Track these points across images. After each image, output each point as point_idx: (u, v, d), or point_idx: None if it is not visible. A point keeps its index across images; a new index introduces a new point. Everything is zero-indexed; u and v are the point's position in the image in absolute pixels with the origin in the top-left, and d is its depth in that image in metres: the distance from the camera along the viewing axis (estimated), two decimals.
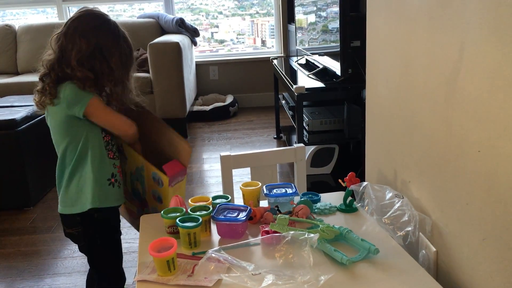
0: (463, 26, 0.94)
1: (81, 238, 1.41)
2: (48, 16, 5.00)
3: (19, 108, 2.84)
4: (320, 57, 2.91)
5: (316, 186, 2.67)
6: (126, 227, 2.35)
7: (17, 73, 4.25)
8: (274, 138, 3.78)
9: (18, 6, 4.84)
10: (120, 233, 1.51)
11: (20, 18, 5.01)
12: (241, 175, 1.73)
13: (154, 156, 1.44)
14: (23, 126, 2.65)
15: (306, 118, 2.72)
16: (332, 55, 2.60)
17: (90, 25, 1.32)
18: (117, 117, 1.37)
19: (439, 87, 1.04)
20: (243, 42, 5.27)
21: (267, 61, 4.10)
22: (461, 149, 0.97)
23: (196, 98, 4.58)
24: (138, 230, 1.52)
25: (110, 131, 1.38)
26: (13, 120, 2.62)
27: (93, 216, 1.37)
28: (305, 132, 2.70)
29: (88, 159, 1.34)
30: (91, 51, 1.30)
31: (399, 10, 1.23)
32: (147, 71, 3.78)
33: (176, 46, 3.67)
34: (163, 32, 4.34)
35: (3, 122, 2.62)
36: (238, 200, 1.35)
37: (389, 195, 1.18)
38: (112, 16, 5.13)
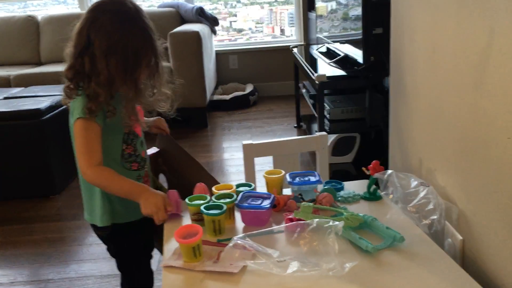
0: (493, 12, 0.92)
1: (109, 241, 1.37)
2: (69, 6, 5.06)
3: (43, 98, 2.89)
4: (341, 45, 2.88)
5: (337, 175, 2.66)
6: None
7: (40, 64, 4.32)
8: (295, 127, 3.77)
9: None
10: (153, 233, 1.39)
11: (41, 9, 5.08)
12: (262, 164, 1.73)
13: (182, 188, 1.32)
14: (48, 116, 2.70)
15: (327, 107, 2.70)
16: (354, 42, 2.57)
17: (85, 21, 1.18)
18: (84, 147, 1.17)
19: (467, 74, 1.02)
20: (261, 31, 5.24)
21: (286, 50, 4.08)
22: (489, 136, 0.96)
23: (216, 87, 4.59)
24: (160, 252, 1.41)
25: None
26: (37, 109, 2.67)
27: (125, 230, 1.30)
28: (326, 121, 2.68)
29: None
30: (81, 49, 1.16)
31: None
32: (168, 60, 3.80)
33: (196, 35, 3.68)
34: (183, 21, 4.35)
35: (28, 112, 2.67)
36: (260, 188, 1.36)
37: (414, 183, 1.18)
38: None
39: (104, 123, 1.20)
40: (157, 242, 1.40)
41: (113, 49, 1.14)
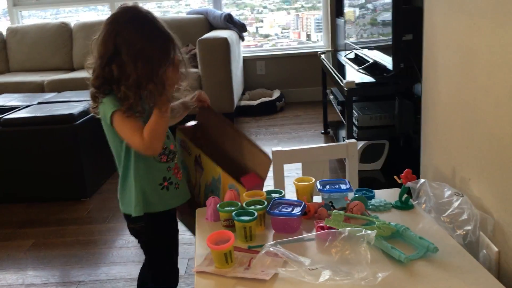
0: None
1: (143, 234, 1.43)
2: (99, 13, 5.17)
3: (76, 103, 2.97)
4: (370, 51, 2.86)
5: (366, 182, 2.62)
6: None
7: (72, 69, 4.43)
8: (322, 133, 3.75)
9: (72, 4, 5.03)
10: (177, 231, 1.51)
11: (72, 15, 5.21)
12: (289, 170, 1.74)
13: (226, 164, 1.38)
14: (80, 121, 2.77)
15: (355, 113, 2.68)
16: (383, 49, 2.55)
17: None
18: (128, 129, 1.26)
19: (504, 81, 1.00)
20: (287, 37, 5.25)
21: (313, 56, 4.07)
22: None
23: (243, 93, 4.62)
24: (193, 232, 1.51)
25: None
26: (71, 114, 2.74)
27: (155, 220, 1.37)
28: (354, 128, 2.66)
29: (131, 168, 1.32)
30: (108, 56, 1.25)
31: (460, 3, 1.20)
32: (196, 67, 3.85)
33: (225, 42, 3.71)
34: (211, 27, 4.39)
35: (61, 117, 2.74)
36: (289, 195, 1.36)
37: (447, 192, 1.16)
38: (159, 13, 5.19)
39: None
40: (189, 221, 1.47)
41: (140, 53, 1.23)
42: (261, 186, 1.36)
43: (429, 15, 1.41)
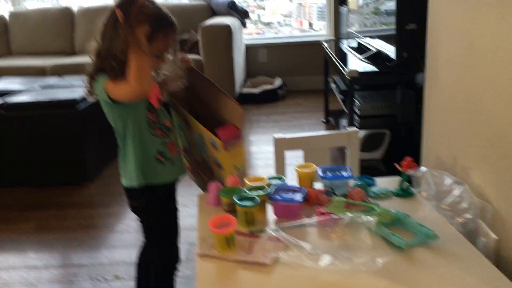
0: None
1: (143, 212, 1.47)
2: None
3: (78, 88, 2.96)
4: (373, 40, 2.85)
5: (366, 171, 2.64)
6: (190, 204, 2.43)
7: (74, 53, 4.42)
8: (323, 121, 3.75)
9: None
10: (176, 209, 1.56)
11: (75, 0, 5.17)
12: (290, 157, 1.75)
13: (211, 121, 1.43)
14: (83, 105, 2.77)
15: (357, 102, 2.68)
16: (386, 38, 2.54)
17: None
18: (118, 86, 1.30)
19: (506, 71, 1.01)
20: (289, 25, 5.22)
21: (315, 44, 4.06)
22: None
23: (245, 80, 4.61)
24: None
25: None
26: (73, 99, 2.74)
27: (150, 193, 1.42)
28: (356, 116, 2.67)
29: (129, 137, 1.39)
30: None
31: None
32: (198, 53, 3.84)
33: (228, 29, 3.70)
34: (214, 14, 4.38)
35: (64, 102, 2.75)
36: (290, 182, 1.36)
37: (448, 181, 1.17)
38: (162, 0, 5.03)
39: None
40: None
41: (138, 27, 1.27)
42: (238, 137, 1.40)
43: (434, 4, 1.41)
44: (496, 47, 1.05)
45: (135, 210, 1.48)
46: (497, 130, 1.06)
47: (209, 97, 1.50)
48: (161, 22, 1.33)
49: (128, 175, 1.42)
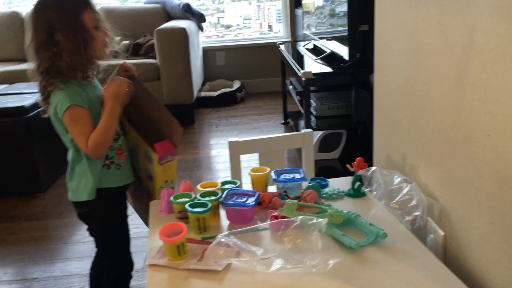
0: (473, 9, 0.93)
1: (89, 218, 1.44)
2: None
3: (28, 95, 2.86)
4: (328, 41, 2.89)
5: (324, 171, 2.68)
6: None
7: (24, 60, 4.26)
8: (282, 123, 3.77)
9: None
10: (126, 217, 1.52)
11: (26, 4, 5.00)
12: (249, 161, 1.74)
13: (148, 132, 1.44)
14: (33, 113, 2.67)
15: (313, 103, 2.71)
16: (340, 39, 2.58)
17: None
18: (76, 131, 1.32)
19: (448, 71, 1.03)
20: (249, 27, 5.23)
21: (274, 46, 4.08)
22: (470, 133, 0.97)
23: (203, 84, 4.58)
24: (138, 214, 1.55)
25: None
26: (22, 107, 2.64)
27: (98, 197, 1.38)
28: (312, 117, 2.69)
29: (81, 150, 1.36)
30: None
31: None
32: (154, 57, 3.78)
33: (183, 32, 3.66)
34: (170, 17, 4.32)
35: (12, 109, 2.64)
36: (247, 186, 1.36)
37: (397, 180, 1.19)
38: (119, 2, 5.04)
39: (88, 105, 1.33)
40: (142, 213, 1.52)
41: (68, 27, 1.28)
42: (174, 153, 1.41)
43: (380, 5, 1.43)
44: (437, 46, 1.08)
45: (83, 217, 1.45)
46: (441, 130, 1.09)
47: (148, 109, 1.48)
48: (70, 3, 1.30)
49: (78, 188, 1.38)
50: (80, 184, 1.39)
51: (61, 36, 1.27)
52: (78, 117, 1.30)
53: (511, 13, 0.81)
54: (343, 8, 2.42)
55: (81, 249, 2.15)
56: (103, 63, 1.42)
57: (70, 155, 1.41)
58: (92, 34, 1.30)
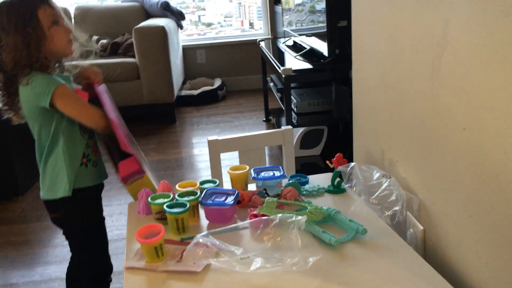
0: (447, 2, 0.93)
1: (65, 222, 1.41)
2: None
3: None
4: (308, 38, 2.88)
5: (306, 167, 2.68)
6: (116, 214, 2.35)
7: None
8: (263, 121, 3.76)
9: None
10: (103, 218, 1.50)
11: None
12: (230, 159, 1.73)
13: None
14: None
15: (294, 100, 2.70)
16: (319, 35, 2.58)
17: None
18: (79, 106, 1.31)
19: (424, 65, 1.03)
20: (230, 25, 5.21)
21: (255, 44, 4.06)
22: (447, 127, 0.97)
23: (184, 83, 4.54)
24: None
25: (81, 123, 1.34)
26: None
27: (75, 198, 1.35)
28: (293, 114, 2.69)
29: (60, 141, 1.32)
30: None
31: None
32: (133, 56, 3.73)
33: (162, 30, 3.62)
34: (148, 16, 4.27)
35: None
36: (227, 184, 1.35)
37: (376, 175, 1.19)
38: (97, 1, 4.95)
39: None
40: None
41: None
42: (140, 172, 1.33)
43: (356, 1, 1.43)
44: (413, 41, 1.08)
45: (57, 221, 1.42)
46: (418, 124, 1.09)
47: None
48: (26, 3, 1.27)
49: (58, 183, 1.34)
50: (56, 179, 1.33)
51: (4, 33, 1.25)
52: (73, 95, 1.31)
53: (485, 8, 0.81)
54: (322, 4, 2.42)
55: (61, 252, 2.11)
56: (73, 63, 1.39)
57: (39, 149, 1.35)
58: (44, 31, 1.27)
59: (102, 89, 1.42)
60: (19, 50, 1.25)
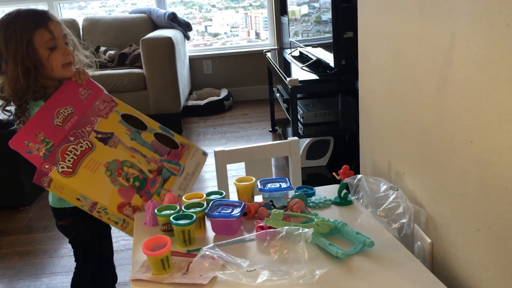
0: (453, 16, 0.93)
1: (72, 230, 1.42)
2: None
3: (13, 107, 2.82)
4: (314, 49, 2.89)
5: (312, 178, 2.67)
6: None
7: None
8: (270, 131, 3.77)
9: (10, 3, 4.79)
10: (109, 228, 1.50)
11: None
12: (237, 169, 1.73)
13: None
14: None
15: (300, 111, 2.71)
16: (325, 46, 2.59)
17: None
18: None
19: (430, 78, 1.03)
20: (237, 35, 5.24)
21: (261, 54, 4.08)
22: (454, 140, 0.97)
23: (190, 93, 4.56)
24: None
25: None
26: (6, 119, 2.60)
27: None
28: (299, 125, 2.69)
29: None
30: None
31: (390, 0, 1.22)
32: (140, 67, 3.76)
33: (169, 41, 3.65)
34: (155, 27, 4.31)
35: None
36: (234, 196, 1.34)
37: (383, 187, 1.18)
38: (105, 12, 4.99)
39: None
40: None
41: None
42: (43, 174, 1.37)
43: (362, 12, 1.44)
44: (419, 54, 1.08)
45: (63, 229, 1.43)
46: (425, 136, 1.09)
47: None
48: (26, 23, 1.27)
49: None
50: None
51: (4, 62, 1.28)
52: None
53: (490, 21, 0.81)
54: (328, 15, 2.43)
55: (67, 263, 2.12)
56: None
57: None
58: (42, 61, 1.28)
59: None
60: (19, 82, 1.27)
